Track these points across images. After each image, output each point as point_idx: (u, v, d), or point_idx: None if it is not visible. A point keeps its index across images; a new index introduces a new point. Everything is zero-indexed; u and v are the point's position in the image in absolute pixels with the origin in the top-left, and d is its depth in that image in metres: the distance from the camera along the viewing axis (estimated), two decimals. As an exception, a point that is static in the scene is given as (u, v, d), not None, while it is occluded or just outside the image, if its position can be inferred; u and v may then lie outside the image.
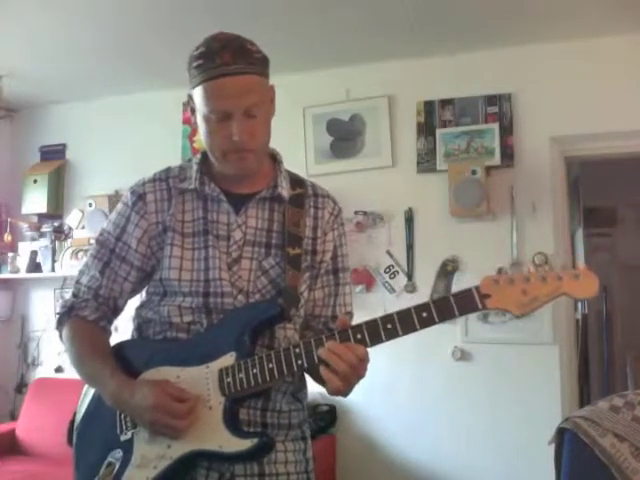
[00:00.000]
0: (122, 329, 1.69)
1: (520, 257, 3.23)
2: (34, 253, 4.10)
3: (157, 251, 1.43)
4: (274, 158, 1.52)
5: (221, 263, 1.38)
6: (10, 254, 4.16)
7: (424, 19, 3.06)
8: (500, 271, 1.22)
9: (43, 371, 4.08)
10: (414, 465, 3.38)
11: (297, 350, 1.26)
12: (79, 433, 1.45)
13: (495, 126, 3.34)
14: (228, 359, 1.30)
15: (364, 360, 1.25)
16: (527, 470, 3.08)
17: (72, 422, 1.49)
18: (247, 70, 1.32)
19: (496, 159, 3.31)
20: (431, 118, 3.48)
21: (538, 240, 3.23)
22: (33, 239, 4.19)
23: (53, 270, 4.02)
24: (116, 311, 1.49)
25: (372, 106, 3.58)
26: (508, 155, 3.31)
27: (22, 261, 4.12)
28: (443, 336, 3.35)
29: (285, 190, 1.45)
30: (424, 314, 1.21)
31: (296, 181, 1.51)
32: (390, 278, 3.48)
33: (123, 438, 1.35)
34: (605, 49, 3.21)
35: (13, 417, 4.03)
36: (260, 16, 3.01)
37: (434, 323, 1.21)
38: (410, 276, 3.44)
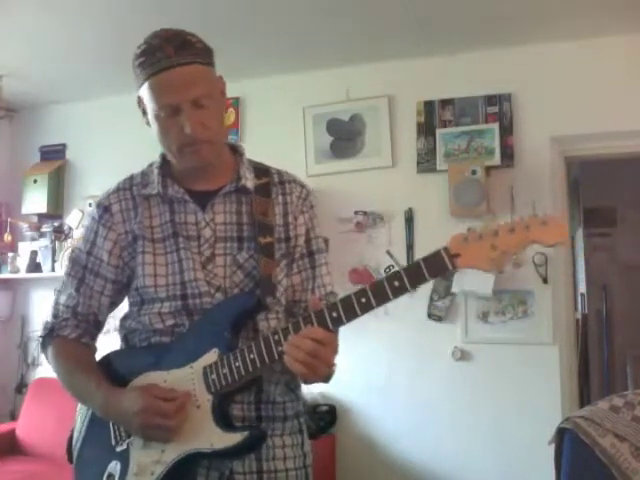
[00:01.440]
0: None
1: (520, 257, 3.23)
2: (34, 253, 4.10)
3: (129, 261, 1.42)
4: (235, 150, 1.49)
5: (195, 264, 1.37)
6: (10, 254, 4.16)
7: (424, 19, 3.06)
8: (469, 229, 1.19)
9: (43, 371, 4.08)
10: (414, 465, 3.38)
11: (276, 337, 1.25)
12: (78, 451, 1.45)
13: (495, 126, 3.34)
14: (211, 356, 1.30)
15: (325, 342, 1.20)
16: (527, 470, 3.08)
17: (70, 439, 1.49)
18: (190, 60, 1.29)
19: (496, 159, 3.31)
20: (431, 118, 3.48)
21: (538, 240, 3.23)
22: (33, 239, 4.19)
23: (53, 270, 4.02)
24: (97, 326, 1.48)
25: (372, 106, 3.58)
26: (508, 155, 3.31)
27: (22, 261, 4.12)
28: (443, 336, 3.35)
29: (249, 181, 1.43)
30: (396, 283, 1.19)
31: (261, 170, 1.48)
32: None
33: (119, 449, 1.36)
34: (605, 49, 3.21)
35: (13, 417, 4.03)
36: (260, 16, 3.01)
37: (407, 291, 1.19)
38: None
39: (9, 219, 4.23)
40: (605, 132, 3.22)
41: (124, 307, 1.53)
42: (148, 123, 1.38)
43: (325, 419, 3.43)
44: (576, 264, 4.86)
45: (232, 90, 4.49)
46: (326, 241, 3.54)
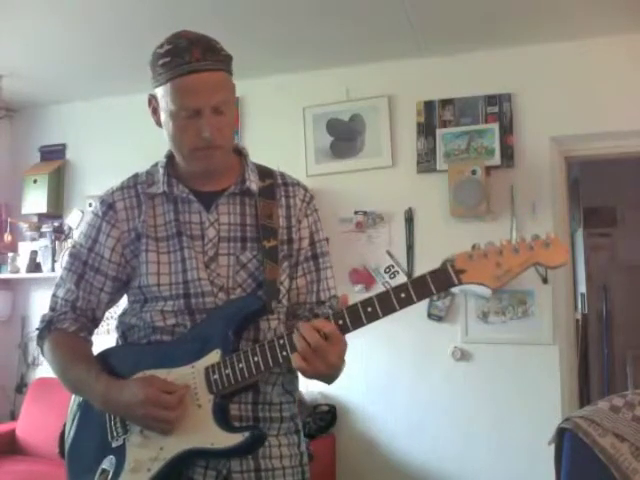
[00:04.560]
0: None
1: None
2: (34, 253, 4.10)
3: (131, 259, 1.42)
4: (239, 153, 1.50)
5: (198, 263, 1.38)
6: (10, 254, 4.16)
7: (424, 19, 3.06)
8: (474, 247, 1.22)
9: (43, 371, 4.08)
10: (414, 465, 3.38)
11: (281, 341, 1.27)
12: (70, 443, 1.45)
13: (495, 126, 3.34)
14: (213, 356, 1.31)
15: (331, 338, 1.21)
16: (527, 470, 3.08)
17: (62, 433, 1.50)
18: (216, 67, 1.32)
19: (496, 159, 3.31)
20: (431, 118, 3.48)
21: (538, 240, 3.23)
22: (33, 239, 4.19)
23: (53, 270, 4.02)
24: (95, 322, 1.49)
25: (372, 106, 3.58)
26: (508, 155, 3.31)
27: (22, 261, 4.12)
28: (443, 336, 3.35)
29: (254, 183, 1.45)
30: (402, 295, 1.23)
31: (265, 172, 1.50)
32: (390, 278, 3.48)
33: (115, 444, 1.36)
34: (605, 49, 3.21)
35: (13, 417, 4.03)
36: (261, 16, 3.02)
37: (413, 302, 1.23)
38: (410, 276, 3.43)
39: (9, 219, 4.23)
40: (605, 132, 3.22)
41: (121, 305, 1.53)
42: (158, 122, 1.39)
43: (325, 419, 3.43)
44: (576, 264, 4.86)
45: (232, 90, 4.45)
46: (326, 241, 3.55)
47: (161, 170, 1.45)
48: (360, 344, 3.41)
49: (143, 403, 1.26)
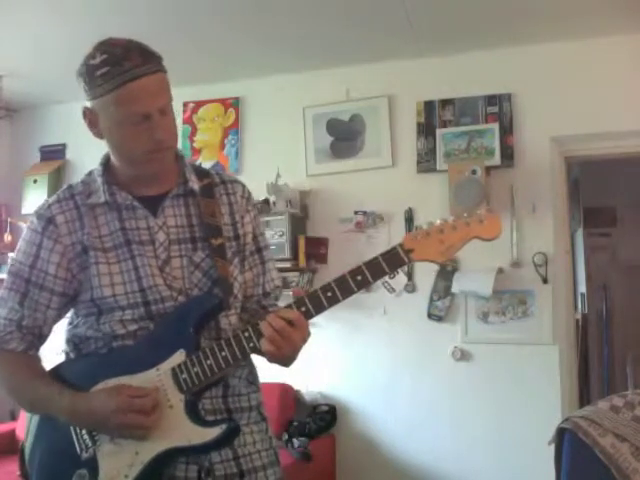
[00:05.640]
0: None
1: (520, 257, 3.23)
2: (34, 253, 4.10)
3: (78, 273, 1.39)
4: (176, 155, 1.49)
5: (152, 269, 1.37)
6: (10, 254, 4.16)
7: (424, 19, 3.06)
8: (416, 228, 1.29)
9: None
10: (414, 465, 3.38)
11: (247, 334, 1.31)
12: (37, 463, 1.40)
13: (495, 126, 3.34)
14: (178, 357, 1.32)
15: (296, 324, 1.29)
16: (527, 470, 3.08)
17: (22, 454, 1.45)
18: (156, 69, 1.32)
19: (496, 159, 3.31)
20: (431, 118, 3.48)
21: (538, 240, 3.23)
22: (33, 239, 4.18)
23: (53, 270, 4.01)
24: (41, 339, 1.44)
25: (372, 106, 3.58)
26: (508, 155, 3.31)
27: (22, 261, 4.12)
28: (443, 336, 3.35)
29: (195, 183, 1.45)
30: (359, 277, 1.31)
31: (201, 172, 1.51)
32: (390, 278, 3.46)
33: (85, 457, 1.32)
34: (605, 49, 3.21)
35: (13, 417, 4.03)
36: (261, 17, 3.01)
37: (369, 283, 1.33)
38: (410, 276, 3.43)
39: (9, 219, 4.23)
40: (605, 132, 3.22)
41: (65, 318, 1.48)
42: (98, 134, 1.39)
43: (325, 419, 3.43)
44: (576, 264, 4.85)
45: (232, 90, 4.51)
46: (326, 241, 3.55)
47: (99, 179, 1.43)
48: (360, 344, 3.42)
49: (115, 412, 1.25)
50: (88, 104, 1.36)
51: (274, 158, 3.65)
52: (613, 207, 5.25)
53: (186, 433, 1.29)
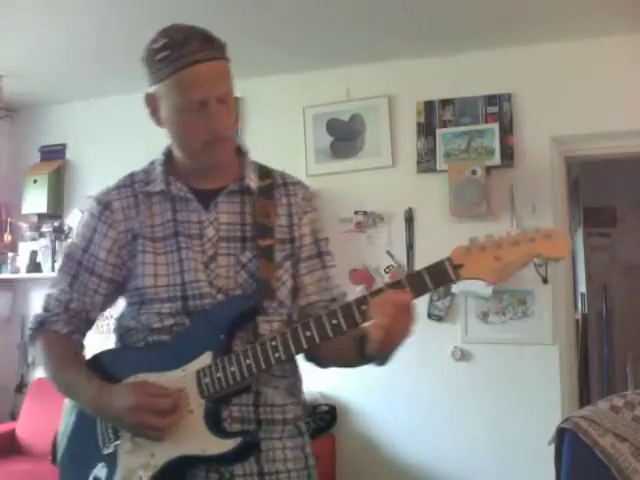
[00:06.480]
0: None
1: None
2: (34, 253, 4.10)
3: (128, 260, 1.38)
4: (239, 151, 1.47)
5: (196, 264, 1.34)
6: (10, 254, 4.16)
7: (424, 19, 3.06)
8: (471, 240, 1.19)
9: (43, 371, 4.08)
10: (414, 465, 3.38)
11: (274, 343, 1.23)
12: (63, 450, 1.42)
13: (495, 126, 3.34)
14: (204, 359, 1.27)
15: (401, 307, 1.17)
16: (527, 470, 3.08)
17: (55, 439, 1.46)
18: (216, 56, 1.29)
19: (496, 159, 3.31)
20: (431, 118, 3.48)
21: (538, 240, 3.23)
22: (33, 239, 4.19)
23: (53, 270, 4.01)
24: (88, 324, 1.44)
25: (372, 106, 3.58)
26: (508, 155, 3.31)
27: (22, 261, 4.12)
28: (443, 336, 3.35)
29: (253, 181, 1.41)
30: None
31: (264, 172, 1.46)
32: (390, 278, 3.48)
33: (106, 452, 1.32)
34: (605, 49, 3.21)
35: (13, 417, 4.03)
36: (261, 16, 3.01)
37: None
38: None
39: (9, 219, 4.23)
40: (605, 132, 3.22)
41: (120, 305, 1.50)
42: (159, 121, 1.35)
43: (325, 419, 3.43)
44: (576, 264, 4.86)
45: (232, 90, 4.44)
46: (326, 241, 3.55)
47: (159, 168, 1.41)
48: (360, 344, 3.42)
49: (132, 409, 1.22)
50: (150, 89, 1.33)
51: (274, 158, 3.59)
52: (613, 207, 5.25)
53: (201, 442, 1.24)
